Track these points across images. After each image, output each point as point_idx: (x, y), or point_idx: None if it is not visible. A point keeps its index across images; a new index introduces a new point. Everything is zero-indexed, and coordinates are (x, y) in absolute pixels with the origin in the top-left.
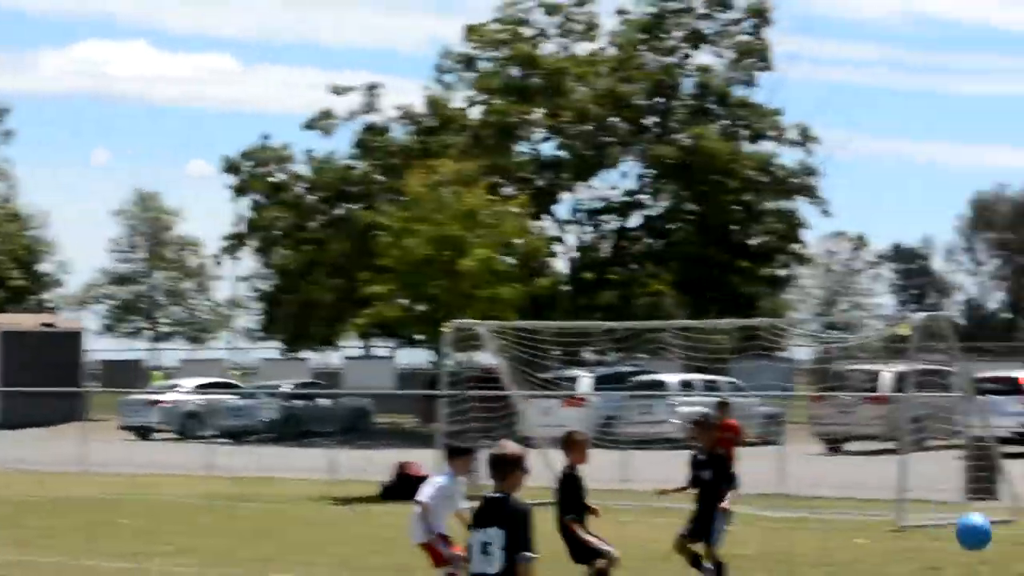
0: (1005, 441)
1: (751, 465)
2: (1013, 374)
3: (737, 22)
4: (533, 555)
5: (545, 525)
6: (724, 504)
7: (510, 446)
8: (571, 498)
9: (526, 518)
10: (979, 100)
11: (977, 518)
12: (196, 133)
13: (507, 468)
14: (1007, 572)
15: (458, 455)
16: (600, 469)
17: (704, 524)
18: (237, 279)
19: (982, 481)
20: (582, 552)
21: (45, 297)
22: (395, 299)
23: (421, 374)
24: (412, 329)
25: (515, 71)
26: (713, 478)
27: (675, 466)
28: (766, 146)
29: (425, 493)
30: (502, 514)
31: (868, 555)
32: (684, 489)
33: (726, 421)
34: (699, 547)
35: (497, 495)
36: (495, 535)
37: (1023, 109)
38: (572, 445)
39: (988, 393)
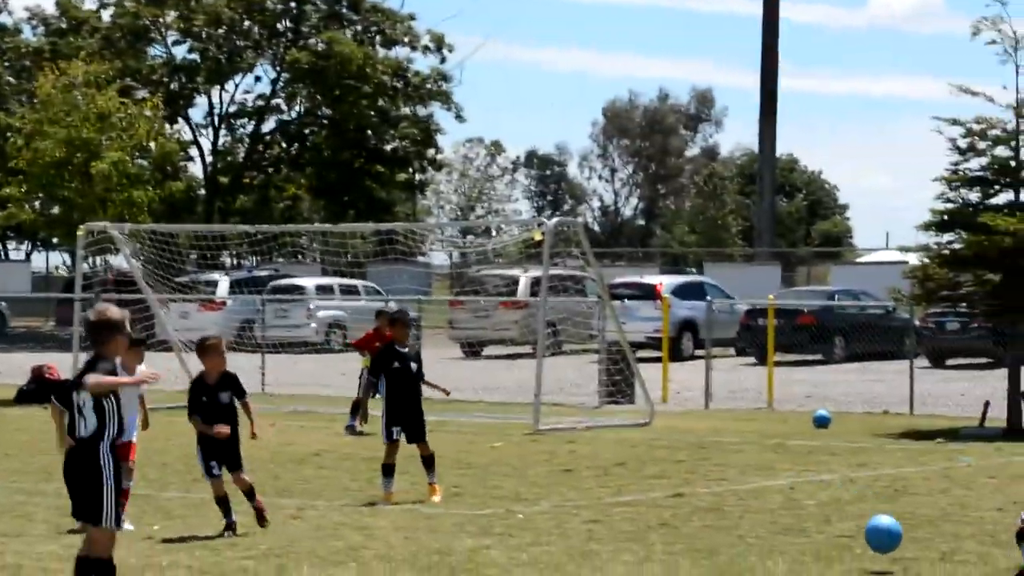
0: (640, 346)
1: None
2: (649, 280)
3: None
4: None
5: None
6: (450, 390)
7: (111, 310)
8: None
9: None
10: (612, 8)
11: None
12: None
13: (106, 332)
14: (641, 475)
15: (130, 346)
16: (238, 373)
17: (418, 421)
18: None
19: (618, 385)
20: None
21: None
22: (28, 202)
23: (57, 277)
24: (46, 232)
25: None
26: (419, 371)
27: (312, 370)
28: (400, 52)
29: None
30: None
31: (505, 457)
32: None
33: (383, 330)
34: (423, 447)
35: (91, 358)
36: (86, 398)
37: (656, 19)
38: (205, 351)
39: (624, 299)
